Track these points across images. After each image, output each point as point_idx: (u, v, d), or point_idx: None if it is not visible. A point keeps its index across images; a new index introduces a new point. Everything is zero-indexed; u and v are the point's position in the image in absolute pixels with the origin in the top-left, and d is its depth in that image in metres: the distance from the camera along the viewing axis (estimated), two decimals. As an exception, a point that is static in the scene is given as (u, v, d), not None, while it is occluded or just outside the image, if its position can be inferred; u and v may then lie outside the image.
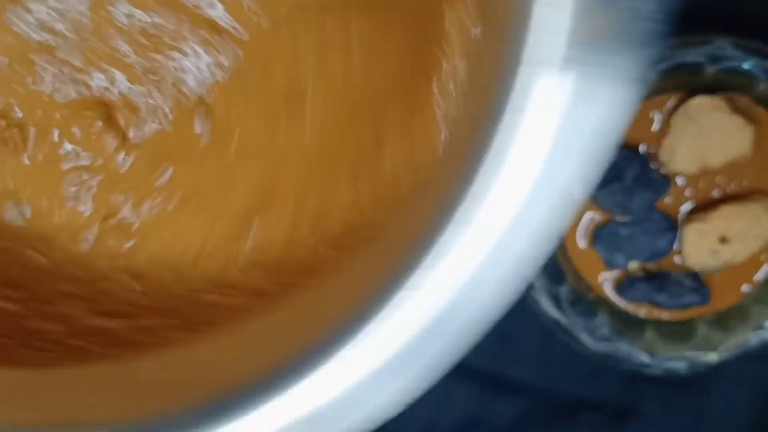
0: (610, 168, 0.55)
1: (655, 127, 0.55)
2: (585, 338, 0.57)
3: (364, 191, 0.39)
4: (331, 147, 0.40)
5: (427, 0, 0.38)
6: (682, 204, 0.56)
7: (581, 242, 0.57)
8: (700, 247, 0.55)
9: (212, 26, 0.41)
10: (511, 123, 0.28)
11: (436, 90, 0.39)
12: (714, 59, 0.52)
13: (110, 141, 0.41)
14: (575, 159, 0.28)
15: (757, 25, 0.54)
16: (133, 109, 0.41)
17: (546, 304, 0.57)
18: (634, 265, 0.57)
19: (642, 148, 0.55)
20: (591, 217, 0.56)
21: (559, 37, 0.28)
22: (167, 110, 0.41)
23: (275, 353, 0.29)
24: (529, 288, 0.56)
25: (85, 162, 0.41)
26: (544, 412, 0.62)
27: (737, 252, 0.55)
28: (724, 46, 0.51)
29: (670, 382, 0.59)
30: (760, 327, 0.57)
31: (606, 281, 0.58)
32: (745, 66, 0.52)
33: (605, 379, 0.62)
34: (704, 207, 0.56)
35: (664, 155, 0.54)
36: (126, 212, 0.41)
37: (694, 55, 0.52)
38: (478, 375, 0.62)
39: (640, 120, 0.55)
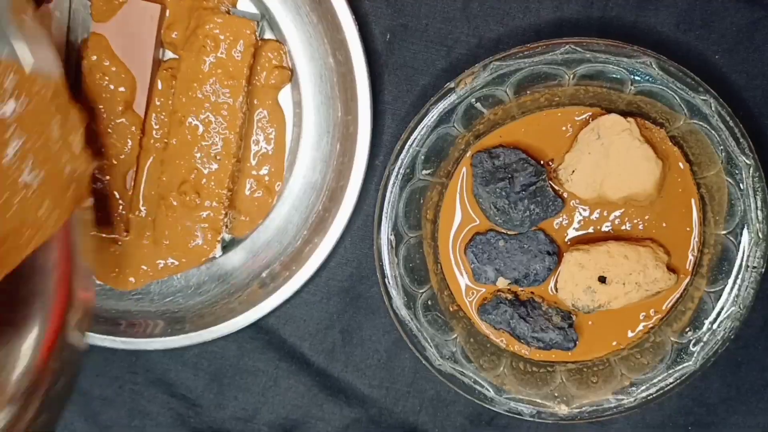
0: (500, 167, 0.50)
1: (564, 141, 0.50)
2: (431, 353, 0.51)
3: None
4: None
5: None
6: (569, 229, 0.51)
7: (452, 245, 0.51)
8: (576, 279, 0.49)
9: None
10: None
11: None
12: (636, 74, 0.48)
13: None
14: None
15: (683, 52, 0.51)
16: None
17: (398, 301, 0.51)
18: (503, 284, 0.51)
19: (543, 161, 0.51)
20: (474, 221, 0.51)
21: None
22: None
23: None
24: (385, 277, 0.50)
25: None
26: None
27: (614, 297, 0.49)
28: (649, 62, 0.47)
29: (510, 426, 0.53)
30: (622, 391, 0.50)
31: (470, 295, 0.52)
32: (667, 92, 0.48)
33: (448, 409, 0.55)
34: (592, 240, 0.51)
35: (563, 173, 0.50)
36: None
37: (616, 67, 0.48)
38: (311, 371, 0.56)
39: (550, 130, 0.50)
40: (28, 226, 0.42)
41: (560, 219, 0.51)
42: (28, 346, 0.40)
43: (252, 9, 0.53)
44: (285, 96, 0.54)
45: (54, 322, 0.41)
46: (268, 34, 0.53)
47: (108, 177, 0.53)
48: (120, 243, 0.54)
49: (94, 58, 0.52)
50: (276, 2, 0.53)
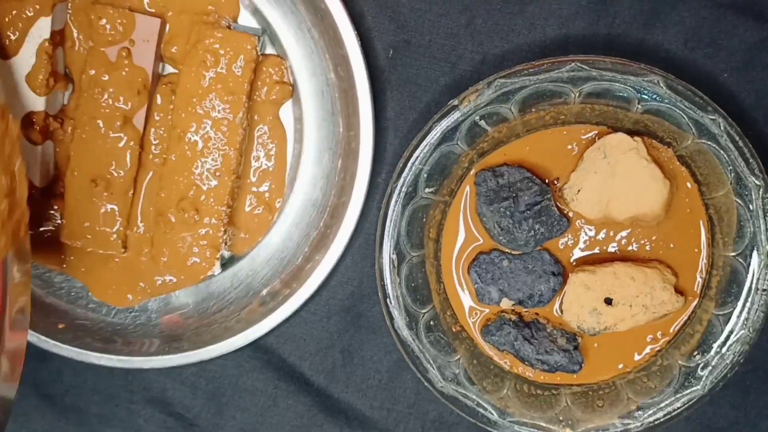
0: (505, 186, 0.49)
1: (570, 160, 0.49)
2: (433, 374, 0.50)
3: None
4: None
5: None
6: (575, 249, 0.50)
7: (455, 265, 0.51)
8: (582, 300, 0.48)
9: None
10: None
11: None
12: (643, 93, 0.47)
13: None
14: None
15: (691, 71, 0.50)
16: None
17: (400, 322, 0.50)
18: (507, 304, 0.50)
19: (548, 180, 0.50)
20: (477, 241, 0.50)
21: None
22: None
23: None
24: (387, 297, 0.50)
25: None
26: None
27: (620, 320, 0.48)
28: (656, 81, 0.46)
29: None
30: (628, 415, 0.49)
31: (474, 316, 0.51)
32: (675, 111, 0.47)
33: (450, 431, 0.54)
34: (598, 260, 0.50)
35: (568, 192, 0.49)
36: None
37: (623, 85, 0.47)
38: (311, 391, 0.55)
39: (556, 149, 0.49)
40: None
41: (565, 239, 0.50)
42: None
43: (253, 24, 0.52)
44: (286, 112, 0.53)
45: None
46: (269, 49, 0.53)
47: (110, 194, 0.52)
48: (118, 260, 0.54)
49: (93, 72, 0.51)
50: (277, 17, 0.52)
